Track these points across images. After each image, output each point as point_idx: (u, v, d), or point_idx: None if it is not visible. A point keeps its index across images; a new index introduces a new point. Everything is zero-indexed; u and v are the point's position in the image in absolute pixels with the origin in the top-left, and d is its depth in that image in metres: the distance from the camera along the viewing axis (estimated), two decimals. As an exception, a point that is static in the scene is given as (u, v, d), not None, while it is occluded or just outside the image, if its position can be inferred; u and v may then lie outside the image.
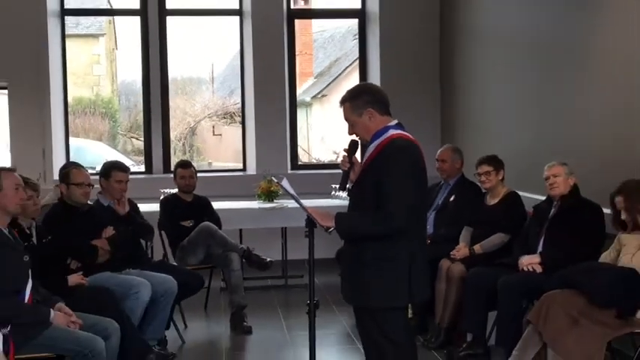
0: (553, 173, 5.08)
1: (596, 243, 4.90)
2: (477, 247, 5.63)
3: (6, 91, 8.38)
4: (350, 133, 3.74)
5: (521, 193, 5.78)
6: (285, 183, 3.85)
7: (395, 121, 3.66)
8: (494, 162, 5.70)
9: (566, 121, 5.96)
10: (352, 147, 3.79)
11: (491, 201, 5.75)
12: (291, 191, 3.81)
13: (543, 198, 5.33)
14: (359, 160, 3.77)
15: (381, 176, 3.47)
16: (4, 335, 3.90)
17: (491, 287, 5.13)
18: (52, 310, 4.11)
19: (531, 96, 6.58)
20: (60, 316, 4.11)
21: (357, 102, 3.63)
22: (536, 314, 4.42)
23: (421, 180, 3.64)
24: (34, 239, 4.77)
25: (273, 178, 7.48)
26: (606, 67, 5.40)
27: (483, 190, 5.82)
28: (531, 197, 5.77)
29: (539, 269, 5.00)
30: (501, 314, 5.11)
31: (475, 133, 7.84)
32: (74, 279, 4.85)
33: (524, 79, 6.73)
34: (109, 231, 5.30)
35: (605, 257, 4.61)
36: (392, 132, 3.59)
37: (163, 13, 8.79)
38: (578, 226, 4.96)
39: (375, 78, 8.87)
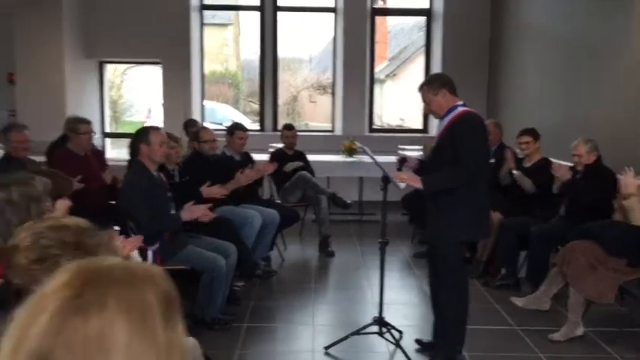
0: (577, 153, 4.70)
1: (610, 198, 4.53)
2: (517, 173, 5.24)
3: (160, 67, 8.39)
4: (426, 111, 3.65)
5: (551, 159, 5.39)
6: (367, 149, 3.74)
7: (461, 102, 3.48)
8: (533, 133, 5.32)
9: (589, 104, 5.50)
10: (401, 163, 3.81)
11: (527, 164, 5.38)
12: (373, 156, 3.68)
13: (569, 163, 4.94)
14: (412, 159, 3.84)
15: (457, 141, 3.37)
16: (153, 252, 3.90)
17: (522, 233, 4.85)
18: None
19: (562, 83, 6.11)
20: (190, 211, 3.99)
21: (432, 85, 3.54)
22: (561, 259, 4.13)
23: (487, 144, 3.62)
24: (177, 179, 4.75)
25: (356, 143, 7.26)
26: (625, 64, 4.91)
27: (520, 156, 5.45)
28: (559, 163, 5.37)
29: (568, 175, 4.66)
30: (532, 256, 4.83)
31: (514, 110, 7.38)
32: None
33: (556, 70, 6.25)
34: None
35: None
36: (460, 109, 3.49)
37: (276, 9, 8.60)
38: (597, 185, 4.58)
39: (437, 62, 8.47)
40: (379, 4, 9.37)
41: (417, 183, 3.46)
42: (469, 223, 3.45)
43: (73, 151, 4.94)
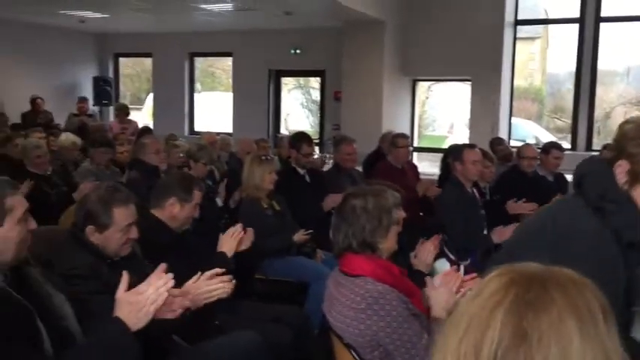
0: None
1: None
2: None
3: (468, 83, 8.46)
4: None
5: None
6: None
7: None
8: None
9: None
10: None
11: None
12: None
13: None
14: None
15: None
16: (465, 267, 3.90)
17: None
18: None
19: None
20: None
21: None
22: None
23: None
24: (487, 197, 4.71)
25: None
26: None
27: None
28: None
29: None
30: None
31: None
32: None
33: None
34: None
35: None
36: None
37: (598, 20, 8.01)
38: None
39: None
40: None
41: None
42: None
43: (392, 163, 5.28)
